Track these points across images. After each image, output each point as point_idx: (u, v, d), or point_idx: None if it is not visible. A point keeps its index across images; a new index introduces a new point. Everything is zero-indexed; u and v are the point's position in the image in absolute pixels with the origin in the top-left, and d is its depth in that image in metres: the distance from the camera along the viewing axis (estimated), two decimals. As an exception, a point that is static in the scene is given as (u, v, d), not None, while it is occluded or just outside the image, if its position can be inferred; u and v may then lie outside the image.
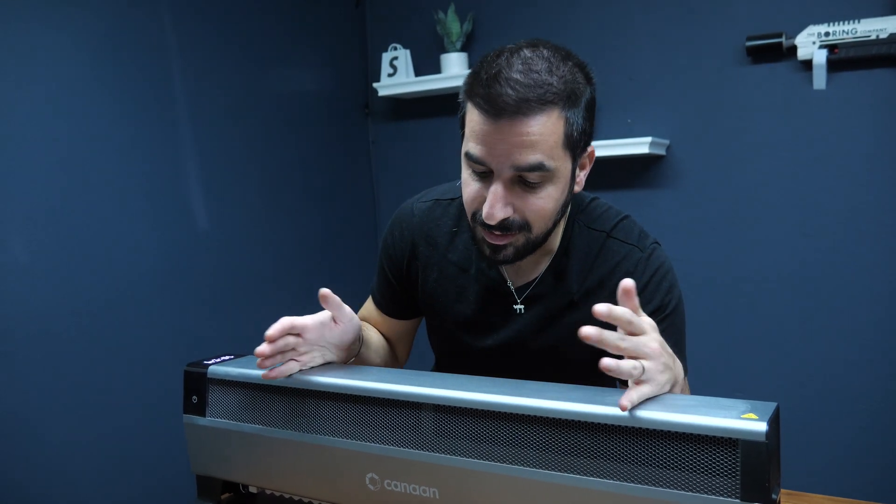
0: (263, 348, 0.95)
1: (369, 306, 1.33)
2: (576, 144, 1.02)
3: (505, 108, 0.95)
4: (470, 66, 2.64)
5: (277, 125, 2.51)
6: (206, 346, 2.14)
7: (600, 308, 0.77)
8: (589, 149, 1.07)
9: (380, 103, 2.91)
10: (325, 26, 2.72)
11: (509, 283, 1.16)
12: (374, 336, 1.28)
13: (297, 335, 0.98)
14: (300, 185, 2.59)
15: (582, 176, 1.09)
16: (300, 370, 0.99)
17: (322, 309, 1.02)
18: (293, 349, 0.98)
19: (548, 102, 0.96)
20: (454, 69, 2.62)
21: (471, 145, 1.00)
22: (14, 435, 1.76)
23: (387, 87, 2.73)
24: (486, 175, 1.01)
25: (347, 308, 1.04)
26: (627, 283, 0.80)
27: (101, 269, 1.94)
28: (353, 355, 1.12)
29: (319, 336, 1.01)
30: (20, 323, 1.77)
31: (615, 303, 1.12)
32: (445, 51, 2.65)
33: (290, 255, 2.54)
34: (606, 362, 0.76)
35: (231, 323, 2.25)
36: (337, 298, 1.00)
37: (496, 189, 0.99)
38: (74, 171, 1.89)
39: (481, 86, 0.97)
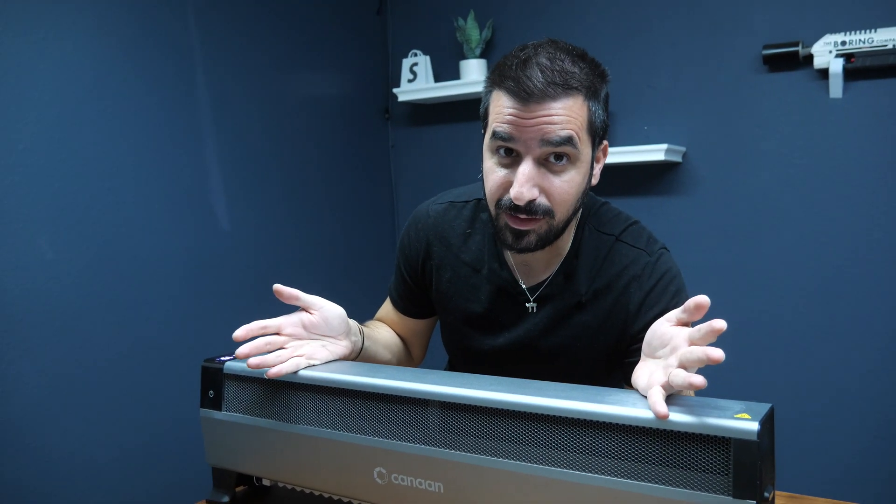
0: (241, 350, 1.00)
1: (387, 306, 1.37)
2: (596, 133, 1.06)
3: (534, 92, 0.99)
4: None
5: (299, 129, 2.56)
6: (227, 344, 2.18)
7: (723, 324, 0.75)
8: (604, 143, 1.12)
9: (400, 108, 2.95)
10: (347, 33, 2.77)
11: (521, 283, 1.19)
12: (385, 334, 1.31)
13: (277, 333, 1.03)
14: (321, 188, 2.64)
15: (597, 169, 1.12)
16: (310, 365, 1.03)
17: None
18: (282, 347, 1.03)
19: (573, 88, 1.01)
20: (473, 75, 2.65)
21: (498, 125, 1.03)
22: (37, 426, 1.81)
23: (407, 92, 2.77)
24: (512, 161, 1.04)
25: (315, 297, 1.08)
26: (703, 300, 0.79)
27: (125, 268, 1.99)
28: (356, 349, 1.15)
29: (301, 330, 1.06)
30: (46, 318, 1.83)
31: (622, 304, 1.14)
32: (465, 57, 2.68)
33: (310, 256, 2.59)
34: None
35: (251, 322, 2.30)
36: (292, 290, 1.05)
37: (525, 168, 1.01)
38: (100, 173, 1.94)
39: (511, 71, 1.01)
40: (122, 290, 1.98)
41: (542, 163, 1.03)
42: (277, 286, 1.03)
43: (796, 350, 2.24)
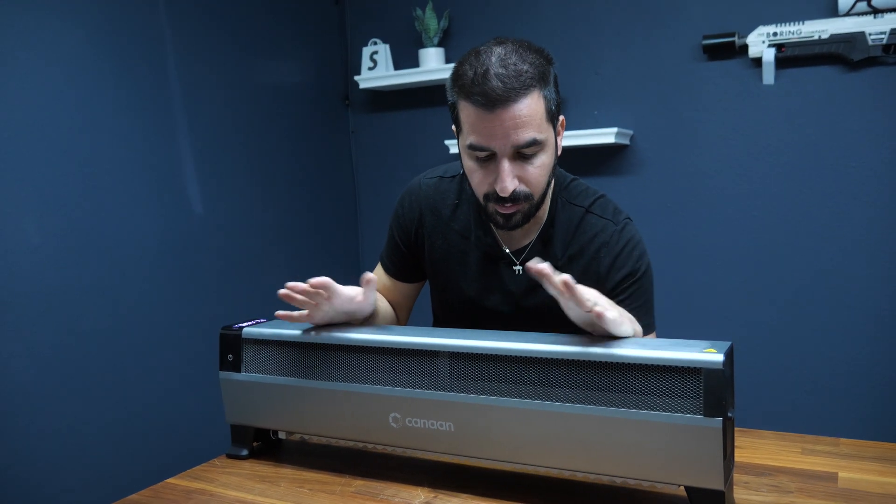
0: (296, 286, 1.14)
1: (378, 272, 1.49)
2: (554, 116, 1.21)
3: (498, 100, 1.12)
4: (447, 61, 2.80)
5: (265, 115, 2.64)
6: (199, 322, 2.29)
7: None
8: (560, 118, 1.26)
9: (360, 95, 3.05)
10: (308, 22, 2.86)
11: (504, 248, 1.32)
12: (381, 305, 1.44)
13: (326, 296, 1.15)
14: (286, 172, 2.73)
15: (559, 141, 1.26)
16: (310, 323, 1.19)
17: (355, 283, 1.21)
18: (316, 304, 1.16)
19: (528, 86, 1.14)
20: (432, 63, 2.77)
21: (473, 137, 1.16)
22: (30, 408, 1.88)
23: (367, 79, 2.87)
24: (488, 160, 1.18)
25: (376, 294, 1.26)
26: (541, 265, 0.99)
27: (107, 250, 2.06)
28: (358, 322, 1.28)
29: (340, 304, 1.18)
30: (33, 299, 1.89)
31: (593, 268, 1.29)
32: (423, 46, 2.80)
33: (278, 237, 2.68)
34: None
35: (223, 300, 2.39)
36: (374, 285, 1.20)
37: (504, 166, 1.16)
38: (80, 160, 2.00)
39: (474, 85, 1.13)
40: (106, 271, 2.05)
41: (516, 156, 1.17)
42: (369, 276, 1.18)
43: (732, 313, 2.45)
